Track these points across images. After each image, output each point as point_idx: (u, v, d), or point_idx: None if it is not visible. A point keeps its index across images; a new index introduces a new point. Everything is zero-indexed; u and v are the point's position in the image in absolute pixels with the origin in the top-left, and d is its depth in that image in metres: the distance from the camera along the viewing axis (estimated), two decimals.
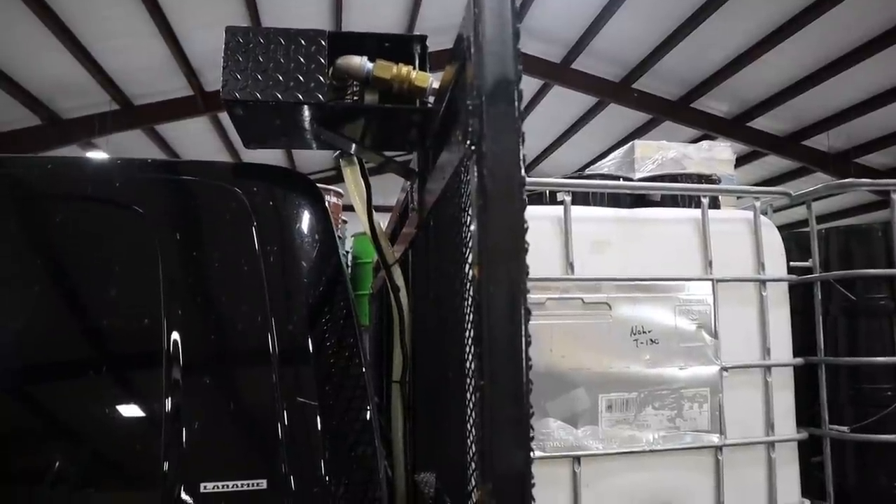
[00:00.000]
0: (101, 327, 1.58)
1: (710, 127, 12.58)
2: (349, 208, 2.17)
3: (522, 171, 1.06)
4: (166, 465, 1.34)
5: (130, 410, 1.51)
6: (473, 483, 1.13)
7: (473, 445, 1.11)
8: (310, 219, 1.69)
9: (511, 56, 1.09)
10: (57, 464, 1.44)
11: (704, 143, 4.54)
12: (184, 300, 1.52)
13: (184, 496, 1.30)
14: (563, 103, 13.15)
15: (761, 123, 12.56)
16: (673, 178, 3.13)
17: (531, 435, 1.04)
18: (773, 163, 14.11)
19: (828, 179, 13.01)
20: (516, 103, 1.06)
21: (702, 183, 3.06)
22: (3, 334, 1.56)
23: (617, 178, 3.25)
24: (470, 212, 1.13)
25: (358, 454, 1.48)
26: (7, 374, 1.54)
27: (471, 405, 1.13)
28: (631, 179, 3.30)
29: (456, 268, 1.35)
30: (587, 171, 4.14)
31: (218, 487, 1.31)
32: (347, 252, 5.48)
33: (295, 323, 1.50)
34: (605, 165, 4.53)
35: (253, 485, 1.32)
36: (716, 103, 12.30)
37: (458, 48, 1.34)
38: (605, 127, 13.61)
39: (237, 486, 1.31)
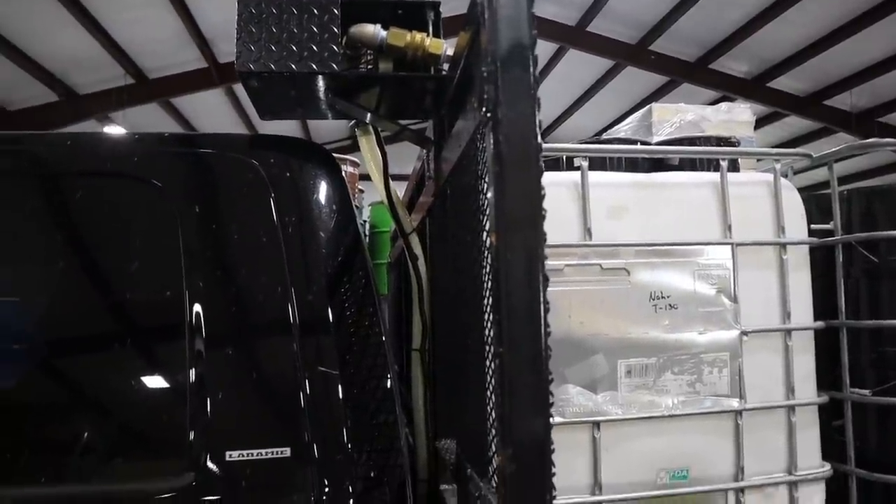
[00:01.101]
0: (123, 300, 1.60)
1: (729, 88, 12.38)
2: (366, 178, 2.17)
3: (539, 137, 1.06)
4: (192, 435, 1.37)
5: (156, 382, 1.53)
6: (494, 449, 1.14)
7: (493, 412, 1.12)
8: (327, 189, 1.69)
9: (525, 20, 1.07)
10: (86, 434, 1.47)
11: (723, 105, 4.47)
12: (204, 272, 1.54)
13: (210, 464, 1.33)
14: (579, 67, 12.99)
15: (782, 83, 12.34)
16: (691, 141, 3.09)
17: (550, 401, 1.05)
18: (793, 124, 13.89)
19: (851, 140, 12.76)
20: (531, 69, 1.04)
21: (720, 146, 3.02)
22: (29, 309, 1.59)
23: (634, 142, 3.21)
24: (486, 179, 1.13)
25: (380, 422, 1.50)
26: (35, 348, 1.57)
27: (490, 372, 1.13)
28: (648, 143, 3.26)
29: (473, 235, 1.35)
30: (604, 136, 4.10)
31: (243, 456, 1.33)
32: (365, 221, 5.49)
33: (314, 293, 1.51)
34: (622, 129, 4.48)
35: (277, 453, 1.34)
36: (735, 64, 12.09)
37: (471, 13, 1.32)
38: (621, 90, 13.45)
39: (262, 455, 1.34)
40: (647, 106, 4.25)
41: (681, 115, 4.27)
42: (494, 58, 1.05)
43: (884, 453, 2.68)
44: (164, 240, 1.57)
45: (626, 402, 2.38)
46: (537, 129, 1.05)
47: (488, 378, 1.20)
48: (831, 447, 2.76)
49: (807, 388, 2.65)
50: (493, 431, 1.14)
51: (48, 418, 1.52)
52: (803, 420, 2.62)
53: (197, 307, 1.49)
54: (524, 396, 1.03)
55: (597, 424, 2.35)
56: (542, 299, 1.04)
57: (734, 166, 2.88)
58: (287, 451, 1.35)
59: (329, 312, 1.51)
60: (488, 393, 1.23)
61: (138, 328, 1.59)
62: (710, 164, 2.81)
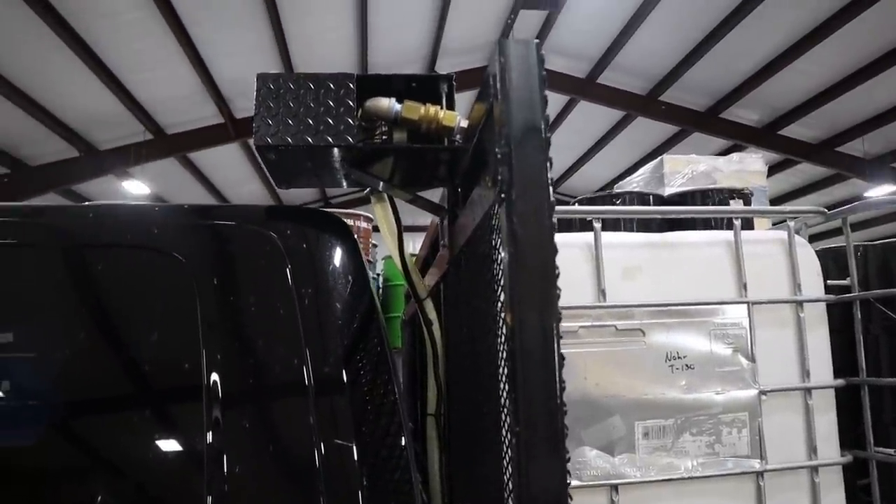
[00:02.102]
0: (143, 369, 1.62)
1: (741, 137, 12.45)
2: (378, 229, 2.19)
3: (552, 218, 1.08)
4: (209, 501, 1.37)
5: (173, 449, 1.54)
6: None
7: (510, 482, 1.12)
8: (341, 257, 1.71)
9: (538, 102, 1.10)
10: (103, 499, 1.48)
11: (735, 156, 4.50)
12: (222, 342, 1.55)
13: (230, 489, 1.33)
14: (590, 118, 13.15)
15: (793, 131, 12.40)
16: (704, 193, 3.11)
17: (569, 481, 1.04)
18: (806, 170, 13.90)
19: (864, 186, 12.78)
20: (544, 151, 1.07)
21: (733, 197, 3.03)
22: (51, 375, 1.61)
23: (647, 194, 3.23)
24: (501, 252, 1.14)
25: (396, 488, 1.49)
26: (56, 411, 1.58)
27: (506, 445, 1.13)
28: (661, 196, 3.28)
29: (488, 304, 1.36)
30: (616, 187, 4.13)
31: (258, 478, 1.34)
32: (378, 275, 5.52)
33: (330, 363, 1.52)
34: (633, 181, 4.51)
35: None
36: (745, 112, 12.18)
37: (485, 89, 1.36)
38: (633, 140, 13.57)
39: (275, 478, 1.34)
40: (659, 157, 4.29)
41: (692, 166, 4.30)
42: (508, 140, 1.08)
43: None
44: (182, 310, 1.59)
45: (645, 464, 2.35)
46: (551, 211, 1.07)
47: (504, 449, 1.20)
48: None
49: (829, 448, 2.61)
50: (510, 501, 1.13)
51: (66, 481, 1.53)
52: (827, 481, 2.57)
53: (214, 376, 1.50)
54: (541, 475, 1.03)
55: (615, 487, 2.32)
56: (558, 379, 1.05)
57: (748, 221, 2.89)
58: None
59: (344, 381, 1.52)
60: (504, 464, 1.22)
61: (157, 396, 1.60)
62: (724, 219, 2.82)
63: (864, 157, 12.64)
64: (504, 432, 1.18)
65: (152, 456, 1.55)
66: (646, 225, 2.83)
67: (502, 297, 1.14)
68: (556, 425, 1.03)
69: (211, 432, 1.45)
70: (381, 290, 5.53)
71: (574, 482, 2.31)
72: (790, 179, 14.37)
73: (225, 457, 1.42)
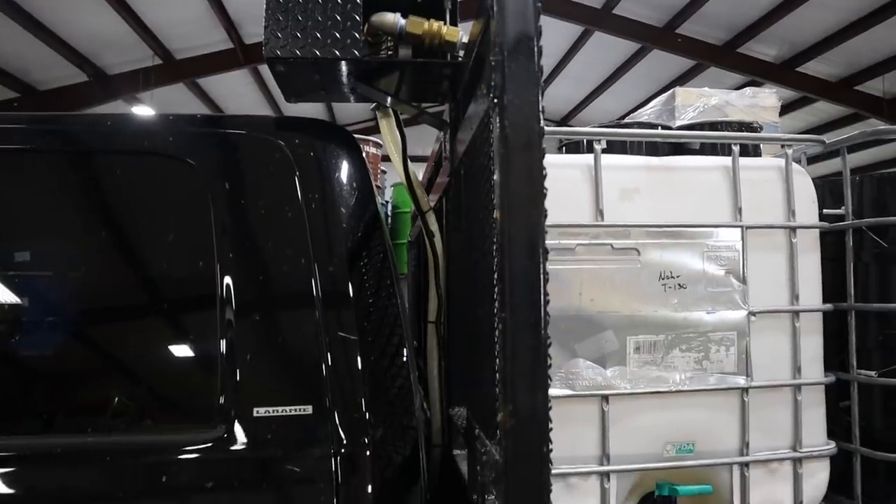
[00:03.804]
0: (160, 270, 1.72)
1: (758, 72, 12.23)
2: (388, 159, 2.27)
3: (541, 121, 1.15)
4: (223, 393, 1.49)
5: (191, 346, 1.66)
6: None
7: (498, 372, 1.22)
8: (348, 169, 1.79)
9: (531, 13, 1.16)
10: (131, 393, 1.61)
11: (748, 90, 4.49)
12: (234, 245, 1.65)
13: (239, 420, 1.45)
14: (605, 50, 12.93)
15: (812, 68, 12.16)
16: (712, 125, 3.14)
17: (549, 362, 1.15)
18: (823, 109, 13.69)
19: (881, 125, 12.61)
20: (536, 58, 1.13)
21: (741, 131, 3.07)
22: (71, 280, 1.72)
23: (655, 126, 3.26)
24: (495, 160, 1.22)
25: (394, 386, 1.61)
26: (79, 317, 1.70)
27: (496, 337, 1.23)
28: (669, 128, 3.31)
29: (484, 212, 1.45)
30: (627, 120, 4.14)
31: (269, 412, 1.45)
32: (387, 202, 5.60)
33: (335, 265, 1.62)
34: (644, 113, 4.52)
35: (300, 410, 1.46)
36: (763, 48, 11.94)
37: (483, 4, 1.41)
38: (647, 74, 13.36)
39: (286, 412, 1.46)
40: (671, 90, 4.28)
41: (704, 99, 4.30)
42: (502, 48, 1.14)
43: (888, 433, 2.74)
44: (196, 214, 1.68)
45: (635, 378, 2.47)
46: (540, 114, 1.15)
47: (496, 344, 1.30)
48: (838, 427, 2.83)
49: (814, 369, 2.72)
50: (499, 394, 1.24)
51: (87, 384, 1.66)
52: (809, 399, 2.69)
53: (227, 277, 1.61)
54: (524, 357, 1.13)
55: (605, 398, 2.44)
56: (542, 270, 1.14)
57: (756, 152, 2.93)
58: (309, 409, 1.46)
59: (349, 283, 1.62)
60: (496, 357, 1.32)
61: (174, 297, 1.71)
62: (730, 149, 2.86)
63: (883, 95, 12.44)
64: (496, 327, 1.27)
65: (171, 353, 1.67)
66: (654, 153, 2.88)
67: (495, 199, 1.22)
68: (538, 312, 1.13)
69: (224, 330, 1.56)
70: (390, 218, 5.62)
71: (567, 392, 2.44)
72: (806, 118, 14.18)
73: (237, 352, 1.53)
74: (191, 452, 1.46)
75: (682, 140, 2.79)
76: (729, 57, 12.12)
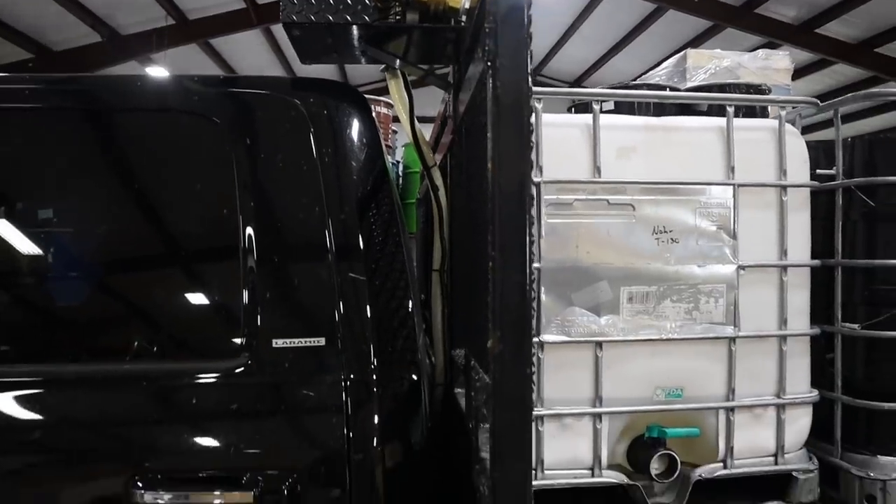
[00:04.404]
0: (188, 220, 1.89)
1: (775, 34, 12.12)
2: (398, 120, 2.41)
3: (529, 82, 1.29)
4: (246, 327, 1.67)
5: (217, 286, 1.84)
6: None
7: (490, 308, 1.38)
8: (358, 126, 1.94)
9: None
10: (163, 329, 1.79)
11: (761, 52, 4.52)
12: (255, 196, 1.81)
13: (260, 350, 1.63)
14: (620, 10, 12.84)
15: (831, 30, 12.03)
16: (721, 87, 3.23)
17: (533, 296, 1.31)
18: (842, 72, 13.57)
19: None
20: (525, 26, 1.27)
21: (750, 93, 3.16)
22: (116, 229, 1.89)
23: (662, 87, 3.35)
24: (488, 117, 1.36)
25: (399, 324, 1.78)
26: (125, 262, 1.88)
27: (489, 275, 1.38)
28: (677, 90, 3.40)
29: (481, 167, 1.60)
30: (639, 81, 4.22)
31: (286, 343, 1.64)
32: (398, 161, 5.74)
33: (347, 214, 1.78)
34: (656, 75, 4.59)
35: (314, 342, 1.64)
36: (782, 8, 11.81)
37: None
38: (663, 35, 13.27)
39: (301, 343, 1.64)
40: (683, 52, 4.33)
41: (716, 61, 4.36)
42: (495, 17, 1.28)
43: (869, 382, 2.89)
44: (220, 169, 1.85)
45: (627, 326, 2.63)
46: (528, 76, 1.29)
47: (489, 282, 1.45)
48: (823, 378, 2.98)
49: (800, 321, 2.87)
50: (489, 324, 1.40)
51: (138, 316, 1.84)
52: (794, 350, 2.85)
53: (249, 225, 1.77)
54: (511, 291, 1.29)
55: (599, 344, 2.61)
56: (527, 214, 1.29)
57: (764, 114, 3.03)
58: (322, 341, 1.64)
59: (359, 230, 1.79)
60: (489, 295, 1.48)
61: (203, 243, 1.89)
62: (739, 111, 2.97)
63: None
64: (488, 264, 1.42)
65: (201, 292, 1.86)
66: (662, 114, 2.98)
67: (488, 152, 1.37)
68: (524, 252, 1.29)
69: (246, 271, 1.73)
70: (401, 178, 5.76)
71: (563, 338, 2.61)
72: (825, 80, 14.06)
73: (258, 291, 1.70)
74: (219, 378, 1.65)
75: (680, 101, 2.91)
76: (746, 18, 12.01)
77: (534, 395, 2.58)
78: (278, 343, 1.64)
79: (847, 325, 2.89)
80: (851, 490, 2.83)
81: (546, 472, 2.63)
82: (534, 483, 2.60)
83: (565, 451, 2.65)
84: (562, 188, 2.58)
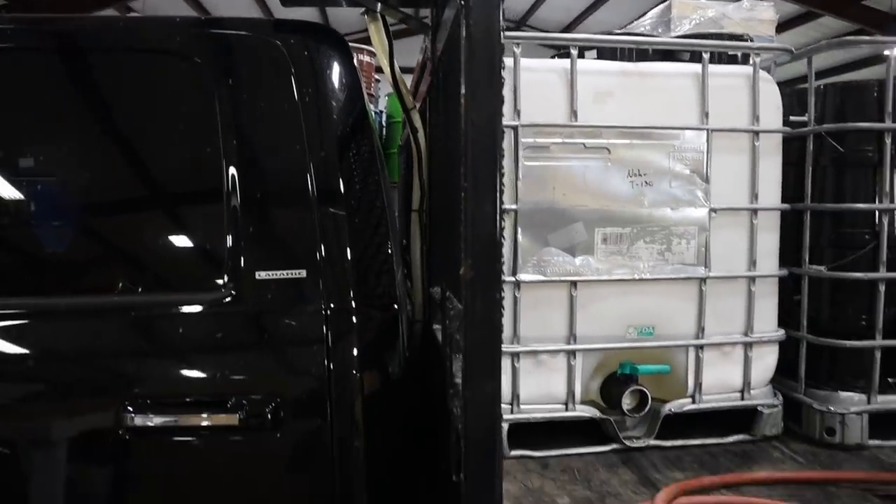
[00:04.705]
0: (174, 158, 1.93)
1: None
2: (382, 70, 2.44)
3: (501, 20, 1.34)
4: (231, 259, 1.73)
5: (203, 221, 1.88)
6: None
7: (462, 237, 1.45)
8: (339, 68, 1.98)
9: None
10: (152, 263, 1.86)
11: (745, 2, 4.53)
12: (237, 135, 1.85)
13: (245, 281, 1.70)
14: None
15: None
16: (703, 37, 3.25)
17: (502, 225, 1.38)
18: (828, 24, 13.50)
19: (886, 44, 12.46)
20: None
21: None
22: (95, 170, 1.93)
23: (643, 36, 3.36)
24: (462, 55, 1.41)
25: (377, 258, 1.85)
26: (116, 199, 1.92)
27: (462, 206, 1.44)
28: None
29: (457, 105, 1.65)
30: (625, 30, 4.23)
31: (269, 275, 1.70)
32: (381, 111, 5.74)
33: (327, 152, 1.83)
34: (641, 24, 4.60)
35: (296, 273, 1.71)
36: None
37: None
38: None
39: (283, 275, 1.71)
40: (668, 1, 4.33)
41: (701, 11, 4.35)
42: None
43: (832, 322, 3.02)
44: (203, 108, 1.88)
45: (601, 266, 2.73)
46: (499, 14, 1.33)
47: (462, 213, 1.51)
48: (791, 319, 3.10)
49: (769, 263, 2.98)
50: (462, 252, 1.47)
51: (128, 250, 1.89)
52: (763, 290, 2.96)
53: (232, 163, 1.82)
54: (482, 221, 1.36)
55: (574, 284, 2.71)
56: (498, 147, 1.35)
57: (746, 62, 3.08)
58: (303, 273, 1.71)
59: (339, 169, 1.84)
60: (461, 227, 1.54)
61: (188, 180, 1.93)
62: (721, 58, 3.02)
63: (890, 11, 12.27)
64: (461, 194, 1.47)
65: (187, 228, 1.92)
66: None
67: (462, 88, 1.42)
68: (494, 183, 1.35)
69: (231, 206, 1.78)
70: (385, 127, 5.77)
71: (539, 277, 2.70)
72: (811, 33, 13.99)
73: (242, 225, 1.76)
74: (205, 309, 1.72)
75: (655, 47, 2.95)
76: None
77: (510, 333, 2.71)
78: (261, 275, 1.70)
79: (814, 266, 3.00)
80: (813, 424, 2.98)
81: (522, 406, 2.75)
82: (510, 417, 2.73)
83: (541, 386, 2.77)
84: (539, 132, 2.64)
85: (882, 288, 2.87)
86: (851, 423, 2.89)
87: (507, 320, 2.68)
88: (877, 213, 2.90)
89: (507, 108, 2.62)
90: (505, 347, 2.70)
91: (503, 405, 2.73)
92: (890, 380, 3.03)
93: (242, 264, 1.72)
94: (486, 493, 1.42)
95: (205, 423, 1.64)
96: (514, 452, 2.73)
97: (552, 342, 2.75)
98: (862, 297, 2.94)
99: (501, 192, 1.37)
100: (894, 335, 2.94)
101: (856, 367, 2.98)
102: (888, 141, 2.85)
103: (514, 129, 2.62)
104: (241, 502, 1.71)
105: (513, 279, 2.65)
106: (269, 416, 1.63)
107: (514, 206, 2.63)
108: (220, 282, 1.73)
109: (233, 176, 1.80)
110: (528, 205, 2.63)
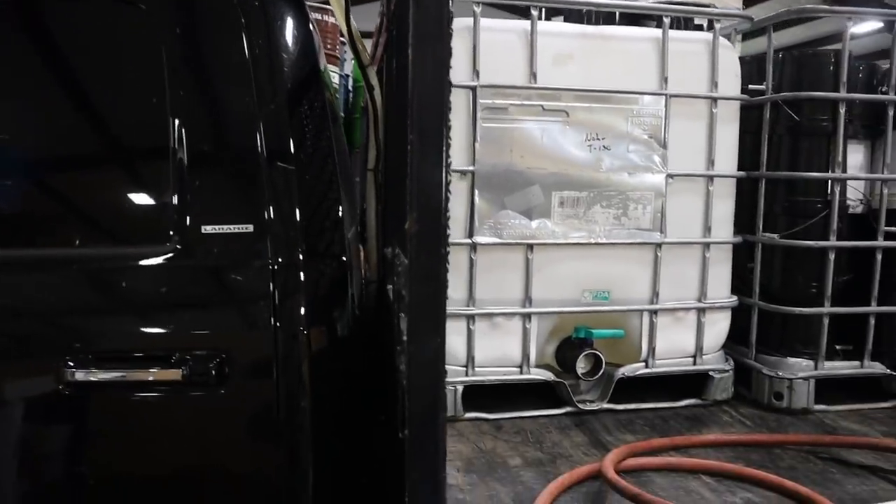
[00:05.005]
0: (119, 107, 1.87)
1: None
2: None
3: None
4: (176, 214, 1.69)
5: (149, 173, 1.83)
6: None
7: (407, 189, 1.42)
8: (292, 22, 1.92)
9: None
10: (95, 216, 1.80)
11: None
12: (185, 83, 1.80)
13: (190, 236, 1.66)
14: None
15: None
16: (668, 3, 3.23)
17: (448, 179, 1.36)
18: (799, 2, 13.60)
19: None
20: None
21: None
22: (31, 119, 1.86)
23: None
24: (410, 6, 1.38)
25: (327, 215, 1.82)
26: (47, 155, 1.85)
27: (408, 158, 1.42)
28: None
29: (406, 59, 1.62)
30: None
31: (215, 229, 1.66)
32: (347, 75, 5.63)
33: (277, 105, 1.78)
34: None
35: (243, 228, 1.67)
36: None
37: None
38: None
39: (230, 229, 1.67)
40: None
41: None
42: None
43: (784, 289, 3.07)
44: (149, 58, 1.82)
45: (558, 230, 2.73)
46: None
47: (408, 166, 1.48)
48: (743, 286, 3.15)
49: (723, 230, 3.01)
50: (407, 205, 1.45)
51: (70, 202, 1.83)
52: (717, 257, 3.00)
53: (179, 114, 1.76)
54: (428, 173, 1.34)
55: (530, 247, 2.71)
56: (446, 99, 1.33)
57: (711, 28, 3.05)
58: (250, 227, 1.68)
59: (289, 124, 1.80)
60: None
61: (132, 132, 1.86)
62: (686, 23, 3.01)
63: None
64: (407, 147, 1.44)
65: (133, 180, 1.86)
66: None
67: (409, 38, 1.39)
68: (441, 136, 1.33)
69: (176, 159, 1.73)
70: (350, 93, 5.67)
71: (495, 240, 2.69)
72: (774, 7, 14.08)
73: (188, 179, 1.71)
74: (148, 262, 1.68)
75: (614, 10, 2.93)
76: None
77: (466, 295, 2.71)
78: (207, 229, 1.66)
79: (767, 234, 3.04)
80: (762, 389, 3.04)
81: (477, 369, 2.76)
82: (465, 379, 2.74)
83: (495, 349, 2.78)
84: (498, 93, 2.62)
85: (832, 256, 2.92)
86: (798, 389, 2.96)
87: (462, 283, 2.70)
88: (829, 182, 2.94)
89: (465, 69, 2.62)
90: (460, 310, 2.73)
91: (458, 367, 2.77)
92: (837, 346, 3.11)
93: (188, 218, 1.68)
94: (429, 450, 1.42)
95: (148, 379, 1.61)
96: (469, 414, 2.74)
97: (508, 305, 2.75)
98: (813, 265, 3.00)
99: (448, 145, 1.35)
100: (843, 303, 3.01)
101: (805, 333, 3.04)
102: (842, 110, 2.88)
103: (473, 89, 2.59)
104: (184, 459, 1.69)
105: (469, 241, 2.64)
106: (213, 372, 1.60)
107: (471, 168, 2.61)
108: (164, 235, 1.68)
109: (179, 128, 1.75)
110: (486, 167, 2.62)
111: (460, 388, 2.71)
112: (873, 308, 2.99)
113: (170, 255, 1.66)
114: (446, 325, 1.39)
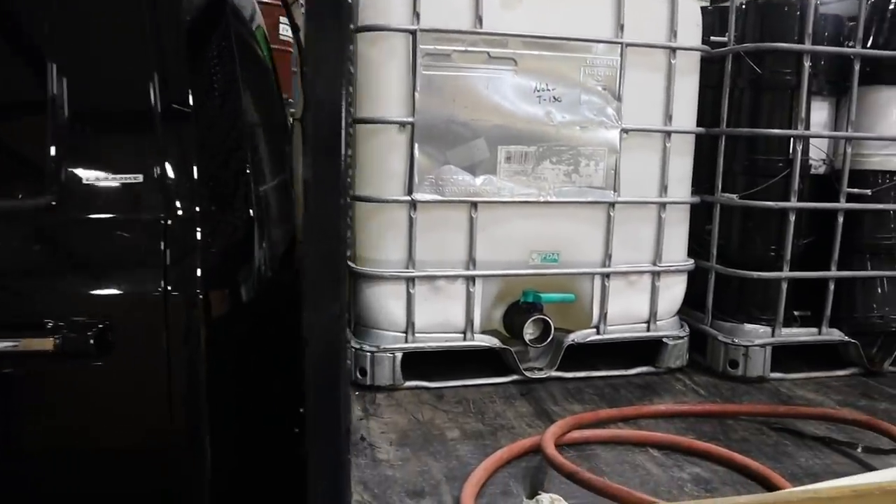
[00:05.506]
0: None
1: None
2: None
3: None
4: (56, 164, 1.48)
5: (25, 120, 1.62)
6: None
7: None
8: None
9: None
10: None
11: None
12: (65, 29, 1.58)
13: (70, 187, 1.46)
14: None
15: None
16: None
17: (348, 126, 1.17)
18: None
19: None
20: None
21: None
22: None
23: None
24: None
25: (229, 166, 1.63)
26: None
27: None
28: None
29: None
30: None
31: (99, 179, 1.46)
32: None
33: (176, 59, 1.57)
34: None
35: (131, 179, 1.47)
36: None
37: None
38: None
39: (116, 180, 1.47)
40: None
41: None
42: None
43: (743, 252, 2.94)
44: (32, 10, 1.59)
45: (504, 187, 2.55)
46: None
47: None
48: (700, 249, 3.02)
49: (681, 189, 2.86)
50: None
51: None
52: (673, 217, 2.85)
53: (58, 56, 1.55)
54: (321, 107, 1.16)
55: (474, 205, 2.52)
56: (344, 24, 1.14)
57: None
58: (140, 178, 1.47)
59: (187, 67, 1.59)
60: None
61: (8, 77, 1.64)
62: None
63: None
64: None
65: (7, 127, 1.63)
66: None
67: None
68: (341, 68, 1.14)
69: (58, 105, 1.51)
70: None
71: (436, 197, 2.51)
72: None
73: (70, 125, 1.50)
74: (22, 217, 1.47)
75: None
76: None
77: (405, 256, 2.53)
78: (89, 178, 1.46)
79: (726, 194, 2.89)
80: (717, 356, 2.92)
81: (417, 335, 2.59)
82: (403, 346, 2.58)
83: (437, 314, 2.61)
84: (440, 38, 2.41)
85: (792, 218, 2.79)
86: (755, 356, 2.84)
87: (402, 243, 2.52)
88: (791, 140, 2.80)
89: (405, 11, 2.41)
90: (399, 272, 2.55)
91: (397, 333, 2.60)
92: (795, 312, 3.00)
93: (67, 167, 1.48)
94: (330, 427, 1.25)
95: (15, 349, 1.41)
96: (409, 383, 2.59)
97: (450, 267, 2.58)
98: (772, 227, 2.86)
99: (349, 81, 1.16)
100: (803, 267, 2.89)
101: (762, 299, 2.91)
102: (807, 63, 2.73)
103: (413, 33, 2.38)
104: (64, 436, 1.51)
105: (408, 199, 2.45)
106: (91, 341, 1.41)
107: (410, 119, 2.41)
108: (39, 186, 1.47)
109: (59, 71, 1.53)
110: (426, 118, 2.42)
111: (399, 355, 2.55)
112: (833, 273, 2.88)
113: (44, 208, 1.46)
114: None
